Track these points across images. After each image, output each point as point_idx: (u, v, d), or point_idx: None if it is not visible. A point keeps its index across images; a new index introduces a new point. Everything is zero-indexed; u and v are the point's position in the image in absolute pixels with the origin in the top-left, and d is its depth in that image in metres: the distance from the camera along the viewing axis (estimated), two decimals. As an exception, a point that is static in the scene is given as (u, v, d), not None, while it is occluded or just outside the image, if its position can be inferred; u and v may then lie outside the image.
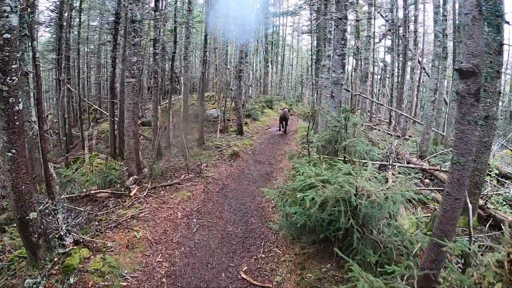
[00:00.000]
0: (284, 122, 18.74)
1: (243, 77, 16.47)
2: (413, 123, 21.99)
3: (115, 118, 13.10)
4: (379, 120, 27.86)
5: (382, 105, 23.69)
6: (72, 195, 8.20)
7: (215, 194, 8.86)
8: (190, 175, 9.84)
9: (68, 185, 9.46)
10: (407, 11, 21.28)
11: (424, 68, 26.04)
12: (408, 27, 21.56)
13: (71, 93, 19.24)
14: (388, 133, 19.17)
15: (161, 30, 12.78)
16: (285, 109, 19.40)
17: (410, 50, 22.11)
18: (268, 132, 19.10)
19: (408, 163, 11.79)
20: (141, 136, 16.92)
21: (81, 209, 7.34)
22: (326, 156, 8.60)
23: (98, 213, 7.33)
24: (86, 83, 33.49)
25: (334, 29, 9.66)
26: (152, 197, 8.31)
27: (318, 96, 23.64)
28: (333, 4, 12.09)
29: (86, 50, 26.69)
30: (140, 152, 12.69)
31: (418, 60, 24.94)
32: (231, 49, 26.60)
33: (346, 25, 9.54)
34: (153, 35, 10.59)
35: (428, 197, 8.34)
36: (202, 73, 13.10)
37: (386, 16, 29.24)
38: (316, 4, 17.49)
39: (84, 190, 8.73)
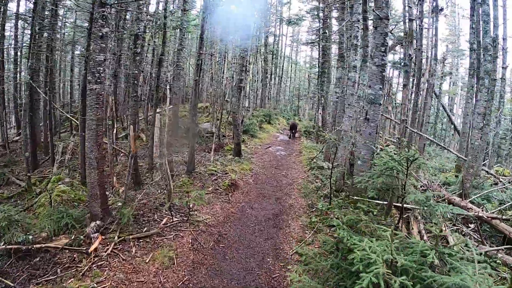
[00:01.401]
0: (293, 130, 22.58)
1: (244, 89, 14.04)
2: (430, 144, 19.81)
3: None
4: (385, 139, 25.72)
5: (411, 130, 21.47)
6: (11, 246, 5.73)
7: (208, 252, 6.32)
8: (174, 219, 7.28)
9: (8, 230, 6.85)
10: (422, 22, 19.30)
11: (433, 89, 23.95)
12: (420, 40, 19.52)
13: (43, 98, 16.54)
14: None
15: (146, 26, 10.42)
16: (293, 121, 24.17)
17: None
18: (268, 152, 16.67)
19: (450, 203, 9.52)
20: (122, 153, 14.30)
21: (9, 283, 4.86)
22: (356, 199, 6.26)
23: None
24: (67, 87, 30.77)
25: (373, 31, 7.34)
26: (119, 258, 5.76)
27: (327, 112, 21.52)
28: (359, 4, 9.86)
29: (65, 48, 24.06)
30: (114, 178, 10.12)
31: (427, 79, 22.96)
32: (230, 55, 24.24)
33: (388, 27, 7.24)
34: (135, 30, 8.16)
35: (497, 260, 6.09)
36: (195, 81, 10.69)
37: (395, 27, 27.42)
38: (337, 5, 15.18)
39: (31, 237, 6.20)
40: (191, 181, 9.83)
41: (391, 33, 24.31)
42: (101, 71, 5.95)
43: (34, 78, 13.17)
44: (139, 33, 7.99)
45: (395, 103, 25.63)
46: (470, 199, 9.86)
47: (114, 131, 14.08)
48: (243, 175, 11.53)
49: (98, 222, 6.78)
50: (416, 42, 19.42)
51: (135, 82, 8.64)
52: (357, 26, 9.34)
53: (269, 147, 18.07)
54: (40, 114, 17.27)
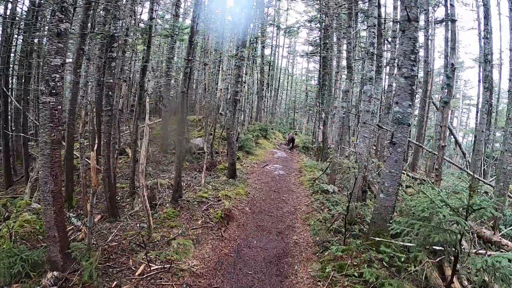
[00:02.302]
0: (292, 144, 23.73)
1: (240, 102, 12.67)
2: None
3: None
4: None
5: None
6: None
7: (194, 320, 4.83)
8: (153, 267, 5.78)
9: None
10: (428, 32, 18.28)
11: (433, 102, 22.92)
12: (426, 50, 18.48)
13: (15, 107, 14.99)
14: (421, 179, 15.61)
15: (129, 29, 9.04)
16: (291, 134, 25.03)
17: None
18: (266, 172, 15.23)
19: (478, 237, 8.26)
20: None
21: None
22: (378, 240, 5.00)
23: None
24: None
25: (400, 36, 6.03)
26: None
27: (328, 127, 20.26)
28: (375, 6, 8.60)
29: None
30: (88, 207, 8.56)
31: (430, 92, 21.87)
32: (225, 65, 22.91)
33: (417, 31, 5.95)
34: (111, 30, 6.73)
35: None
36: (182, 93, 9.20)
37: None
38: (344, 11, 13.96)
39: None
40: (177, 212, 8.30)
41: (388, 41, 23.32)
42: (57, 79, 4.53)
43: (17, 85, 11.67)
44: (116, 34, 6.59)
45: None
46: (501, 232, 8.53)
47: (95, 147, 12.56)
48: (238, 202, 10.07)
49: (55, 273, 5.29)
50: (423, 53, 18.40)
51: (109, 93, 7.18)
52: (373, 32, 8.06)
53: (266, 165, 16.64)
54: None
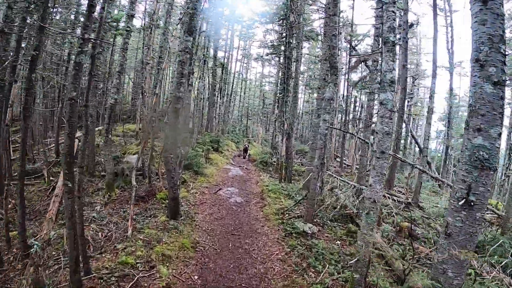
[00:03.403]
0: (246, 153, 24.00)
1: (181, 109, 9.20)
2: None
3: None
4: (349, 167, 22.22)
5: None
6: None
7: None
8: None
9: None
10: (407, 34, 16.24)
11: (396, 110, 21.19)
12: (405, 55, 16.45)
13: None
14: (395, 199, 13.20)
15: None
16: (246, 144, 25.34)
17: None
18: (219, 200, 11.96)
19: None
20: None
21: None
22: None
23: None
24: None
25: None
26: None
27: (293, 140, 17.30)
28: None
29: None
30: None
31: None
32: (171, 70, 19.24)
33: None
34: None
35: None
36: (71, 100, 5.89)
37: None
38: None
39: None
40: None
41: (354, 49, 21.20)
42: None
43: None
44: None
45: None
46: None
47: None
48: (182, 266, 6.68)
49: None
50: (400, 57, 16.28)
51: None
52: (392, 11, 5.17)
53: (220, 189, 13.34)
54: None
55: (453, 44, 20.95)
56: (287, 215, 10.36)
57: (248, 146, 25.27)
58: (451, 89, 22.37)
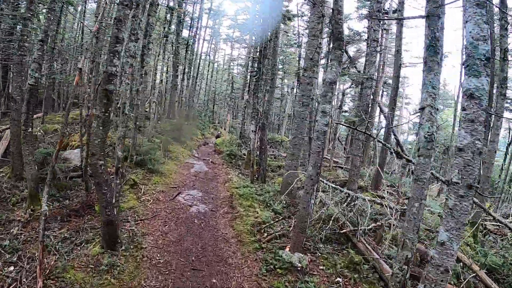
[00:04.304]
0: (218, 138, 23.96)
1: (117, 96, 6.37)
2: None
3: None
4: (336, 167, 20.21)
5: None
6: None
7: None
8: None
9: None
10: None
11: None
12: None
13: None
14: (386, 205, 11.17)
15: None
16: (219, 132, 26.13)
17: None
18: (177, 209, 9.43)
19: None
20: None
21: None
22: None
23: None
24: None
25: None
26: None
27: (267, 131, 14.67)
28: None
29: None
30: None
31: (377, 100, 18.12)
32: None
33: None
34: None
35: None
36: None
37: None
38: None
39: None
40: None
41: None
42: None
43: None
44: None
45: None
46: None
47: None
48: None
49: None
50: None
51: None
52: None
53: (179, 193, 10.75)
54: None
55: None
56: (265, 233, 8.02)
57: (220, 134, 25.69)
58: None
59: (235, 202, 10.26)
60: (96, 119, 5.51)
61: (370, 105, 11.18)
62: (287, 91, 37.94)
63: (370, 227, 8.70)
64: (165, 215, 8.89)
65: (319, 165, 6.18)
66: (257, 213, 9.31)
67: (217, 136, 25.10)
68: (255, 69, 14.91)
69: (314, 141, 6.19)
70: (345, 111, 28.45)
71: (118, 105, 14.50)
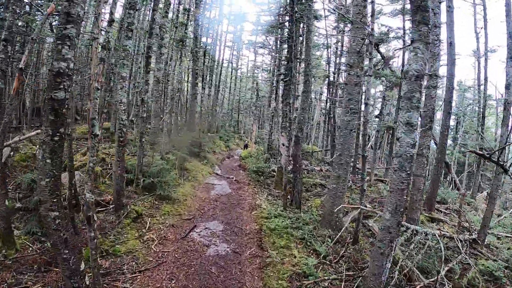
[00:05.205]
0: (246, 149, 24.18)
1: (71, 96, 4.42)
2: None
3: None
4: (377, 180, 17.52)
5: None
6: None
7: None
8: None
9: None
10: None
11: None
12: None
13: None
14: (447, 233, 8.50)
15: None
16: (246, 142, 26.49)
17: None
18: (191, 251, 7.23)
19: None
20: None
21: None
22: None
23: None
24: None
25: None
26: None
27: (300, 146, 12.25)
28: None
29: None
30: None
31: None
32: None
33: None
34: None
35: None
36: None
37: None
38: None
39: None
40: None
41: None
42: None
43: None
44: None
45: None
46: None
47: None
48: None
49: None
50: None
51: None
52: None
53: (194, 227, 8.55)
54: None
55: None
56: (308, 292, 5.65)
57: (248, 144, 26.06)
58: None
59: (265, 240, 7.95)
60: (41, 147, 3.38)
61: (434, 110, 8.60)
62: (315, 97, 35.38)
63: (443, 273, 6.16)
64: (173, 262, 6.70)
65: (401, 210, 3.78)
66: (295, 257, 6.96)
67: (245, 146, 25.42)
68: (284, 72, 12.60)
69: (395, 172, 3.79)
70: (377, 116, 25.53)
71: (131, 118, 12.56)
